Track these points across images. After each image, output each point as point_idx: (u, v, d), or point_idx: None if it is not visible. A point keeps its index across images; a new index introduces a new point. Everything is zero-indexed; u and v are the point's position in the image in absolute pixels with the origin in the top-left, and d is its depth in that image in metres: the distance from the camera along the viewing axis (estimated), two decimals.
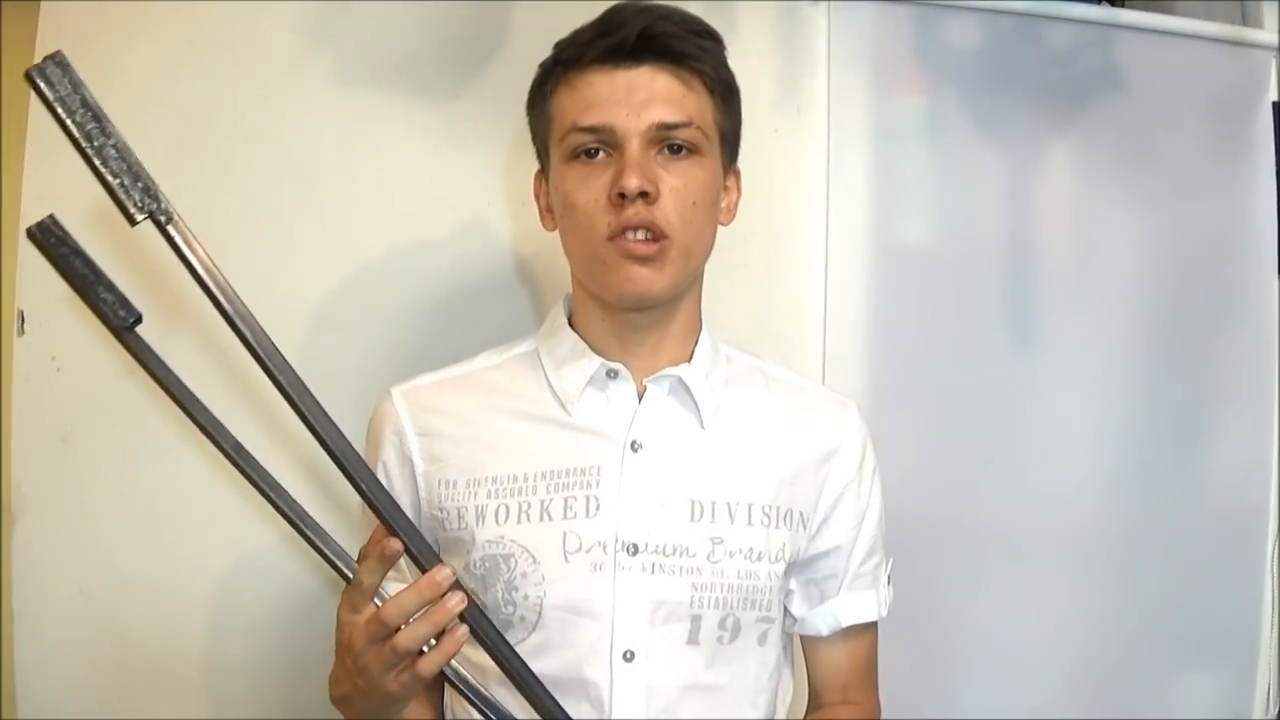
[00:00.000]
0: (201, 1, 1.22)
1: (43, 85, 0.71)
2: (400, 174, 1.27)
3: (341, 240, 1.26)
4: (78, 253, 0.74)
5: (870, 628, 1.04)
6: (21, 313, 1.20)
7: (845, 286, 1.36)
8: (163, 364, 0.77)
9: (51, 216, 0.74)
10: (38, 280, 1.20)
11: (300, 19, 1.24)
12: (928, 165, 1.42)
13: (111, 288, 0.75)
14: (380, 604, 0.78)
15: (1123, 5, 1.58)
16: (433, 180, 1.28)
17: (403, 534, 0.77)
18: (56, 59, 0.71)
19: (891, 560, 1.05)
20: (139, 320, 0.75)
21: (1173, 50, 1.49)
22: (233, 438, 0.80)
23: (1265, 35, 1.54)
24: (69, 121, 0.72)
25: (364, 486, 0.78)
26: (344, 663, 0.82)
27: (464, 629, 0.79)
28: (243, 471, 0.80)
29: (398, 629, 0.77)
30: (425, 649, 0.79)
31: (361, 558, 0.80)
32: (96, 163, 0.71)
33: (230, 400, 1.17)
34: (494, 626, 0.83)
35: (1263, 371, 1.55)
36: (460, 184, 1.28)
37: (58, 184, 1.20)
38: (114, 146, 0.72)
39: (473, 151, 1.27)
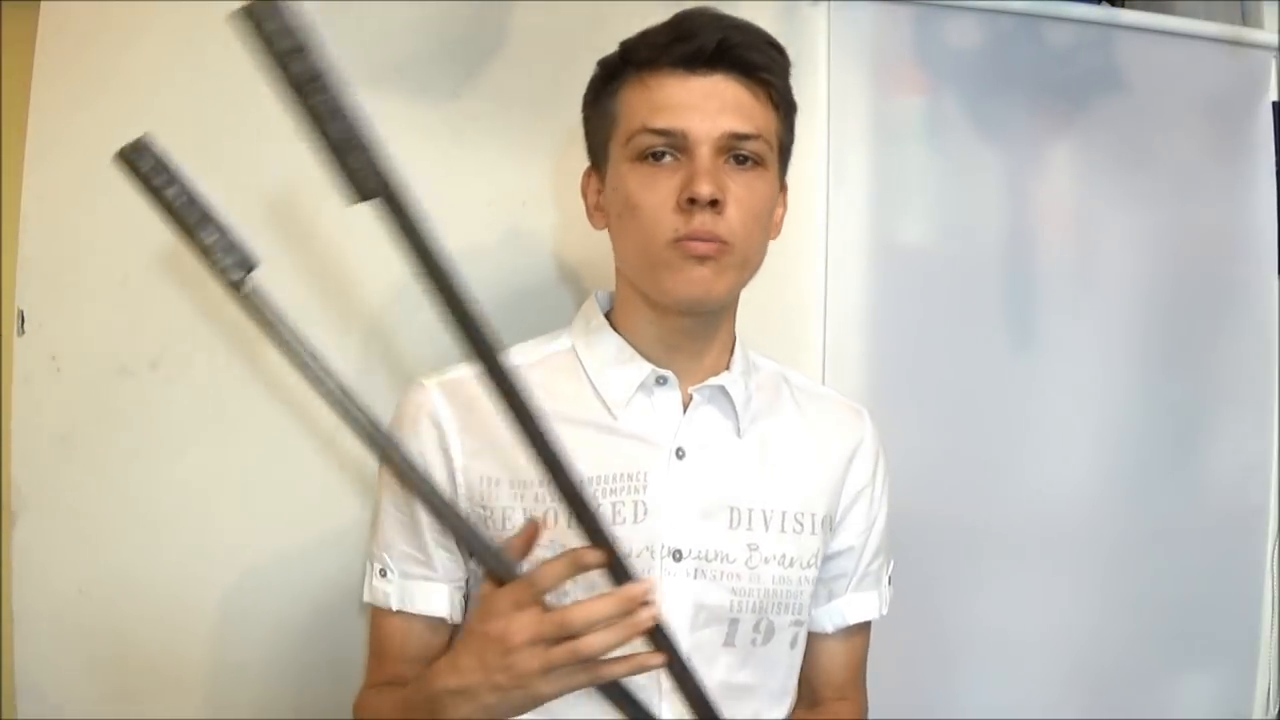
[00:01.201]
0: (201, 1, 1.22)
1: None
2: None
3: (341, 240, 1.26)
4: (176, 181, 0.65)
5: (868, 626, 1.07)
6: (21, 313, 1.20)
7: (845, 286, 1.36)
8: (276, 322, 0.73)
9: (146, 136, 0.67)
10: (38, 280, 1.20)
11: None
12: (928, 165, 1.42)
13: (221, 229, 0.67)
14: (562, 607, 0.77)
15: (1123, 5, 1.58)
16: (433, 180, 1.27)
17: (607, 544, 0.77)
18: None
19: (892, 561, 1.07)
20: (253, 268, 0.68)
21: (1173, 50, 1.49)
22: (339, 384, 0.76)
23: (1265, 35, 1.54)
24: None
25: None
26: (482, 655, 0.79)
27: (657, 658, 0.80)
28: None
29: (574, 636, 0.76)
30: None
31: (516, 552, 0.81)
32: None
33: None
34: (676, 650, 0.82)
35: (1263, 371, 1.55)
36: (460, 184, 1.28)
37: (58, 184, 1.21)
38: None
39: (473, 152, 1.27)
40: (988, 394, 1.43)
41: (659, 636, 0.80)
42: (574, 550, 0.78)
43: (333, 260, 1.26)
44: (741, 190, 0.90)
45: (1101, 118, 1.47)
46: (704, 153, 0.89)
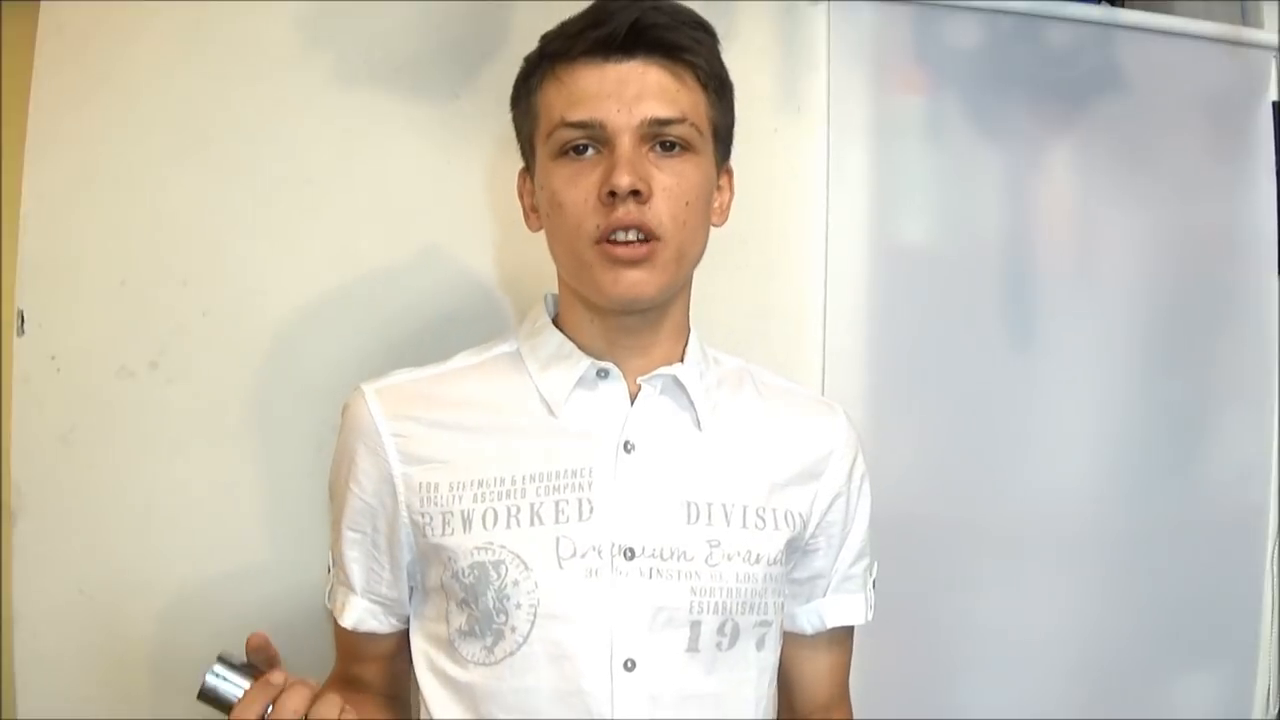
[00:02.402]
0: (201, 1, 1.22)
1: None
2: (400, 174, 1.27)
3: (341, 240, 1.26)
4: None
5: (850, 635, 1.04)
6: (21, 313, 1.20)
7: (845, 286, 1.36)
8: None
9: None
10: (38, 280, 1.20)
11: (300, 19, 1.24)
12: (928, 165, 1.42)
13: None
14: None
15: (1123, 5, 1.58)
16: (432, 180, 1.28)
17: None
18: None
19: (876, 565, 1.04)
20: None
21: (1173, 50, 1.49)
22: None
23: (1265, 35, 1.54)
24: None
25: None
26: None
27: None
28: None
29: None
30: None
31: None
32: None
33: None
34: None
35: (1263, 371, 1.55)
36: (460, 184, 1.28)
37: (58, 184, 1.21)
38: None
39: (472, 152, 1.27)
40: (988, 394, 1.43)
41: None
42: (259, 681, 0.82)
43: (333, 256, 1.26)
44: (669, 178, 0.86)
45: (1101, 118, 1.47)
46: (624, 142, 0.85)
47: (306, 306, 1.25)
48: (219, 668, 0.83)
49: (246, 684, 0.82)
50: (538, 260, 1.28)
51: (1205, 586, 1.52)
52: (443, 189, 1.28)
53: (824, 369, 1.34)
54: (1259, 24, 1.55)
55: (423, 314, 1.27)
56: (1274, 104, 1.54)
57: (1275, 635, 1.54)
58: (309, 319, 1.25)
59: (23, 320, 1.20)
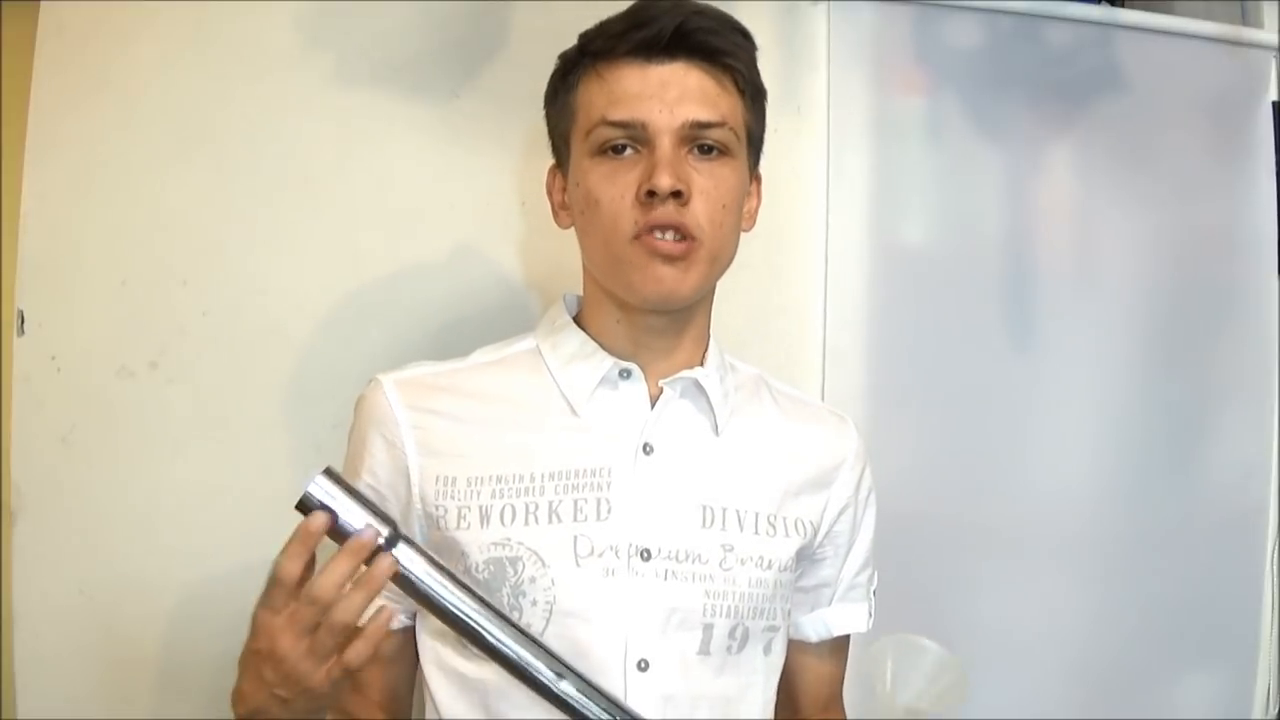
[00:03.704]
0: (201, 1, 1.22)
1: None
2: (400, 174, 1.27)
3: (341, 240, 1.26)
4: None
5: (849, 640, 1.06)
6: (21, 313, 1.20)
7: (845, 286, 1.36)
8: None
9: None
10: (38, 280, 1.20)
11: (300, 19, 1.24)
12: (928, 165, 1.42)
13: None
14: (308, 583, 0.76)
15: (1123, 5, 1.58)
16: (432, 180, 1.28)
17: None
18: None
19: (876, 575, 1.05)
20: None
21: (1173, 50, 1.49)
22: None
23: (1265, 35, 1.54)
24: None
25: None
26: (260, 673, 0.78)
27: (385, 613, 0.78)
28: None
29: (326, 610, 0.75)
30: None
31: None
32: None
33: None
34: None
35: (1263, 371, 1.55)
36: (460, 184, 1.28)
37: (58, 184, 1.21)
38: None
39: (473, 151, 1.27)
40: (988, 394, 1.43)
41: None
42: (299, 525, 0.77)
43: (333, 257, 1.26)
44: (707, 181, 0.87)
45: (1101, 118, 1.47)
46: (665, 143, 0.86)
47: (307, 306, 1.25)
48: (323, 480, 0.77)
49: (350, 505, 0.77)
50: (538, 261, 1.29)
51: (1205, 586, 1.52)
52: (443, 189, 1.28)
53: (824, 369, 1.34)
54: (1259, 24, 1.56)
55: (423, 313, 1.27)
56: (1274, 104, 1.54)
57: (1275, 635, 1.54)
58: (309, 319, 1.25)
59: (23, 320, 1.20)
